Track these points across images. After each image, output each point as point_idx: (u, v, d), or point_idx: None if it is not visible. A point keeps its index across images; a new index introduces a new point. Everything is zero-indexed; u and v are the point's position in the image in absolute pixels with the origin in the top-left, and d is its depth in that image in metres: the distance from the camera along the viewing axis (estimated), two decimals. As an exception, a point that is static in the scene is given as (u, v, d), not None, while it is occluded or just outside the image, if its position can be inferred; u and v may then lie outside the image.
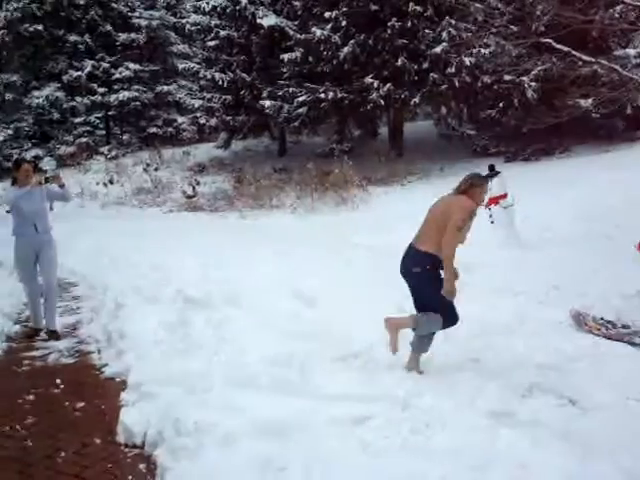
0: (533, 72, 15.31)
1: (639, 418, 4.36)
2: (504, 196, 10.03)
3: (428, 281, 4.91)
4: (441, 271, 4.90)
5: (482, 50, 15.56)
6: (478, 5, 14.30)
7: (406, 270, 4.98)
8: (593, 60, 9.07)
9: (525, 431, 4.12)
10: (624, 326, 6.11)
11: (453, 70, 16.13)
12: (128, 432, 4.19)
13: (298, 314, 6.31)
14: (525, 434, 4.06)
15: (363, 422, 4.16)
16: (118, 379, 5.25)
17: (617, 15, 14.94)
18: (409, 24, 16.30)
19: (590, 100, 11.66)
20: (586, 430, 4.19)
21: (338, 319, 6.06)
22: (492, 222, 10.00)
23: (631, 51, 16.08)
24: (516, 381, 4.84)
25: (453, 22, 16.08)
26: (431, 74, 16.33)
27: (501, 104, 16.88)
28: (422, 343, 5.03)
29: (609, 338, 5.91)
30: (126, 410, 4.45)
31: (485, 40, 14.65)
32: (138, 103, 25.76)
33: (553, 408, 4.54)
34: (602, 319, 6.24)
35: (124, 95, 25.22)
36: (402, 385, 4.66)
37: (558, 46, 9.08)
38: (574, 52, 8.99)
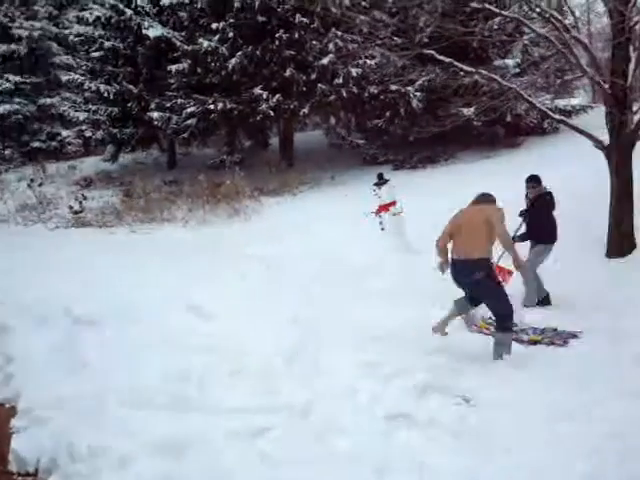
0: (418, 82, 15.81)
1: (530, 413, 4.55)
2: (393, 203, 10.31)
3: (490, 280, 5.77)
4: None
5: (368, 61, 15.95)
6: (363, 17, 14.62)
7: (468, 280, 5.79)
8: (474, 70, 9.47)
9: (422, 431, 4.23)
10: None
11: (341, 81, 16.38)
12: (20, 460, 4.02)
13: (193, 328, 6.17)
14: (422, 434, 4.18)
15: (263, 434, 4.16)
16: (7, 405, 4.99)
17: (496, 27, 15.76)
18: (296, 36, 16.43)
19: (472, 109, 12.19)
20: (481, 427, 4.36)
21: (234, 332, 5.99)
22: (382, 229, 10.25)
23: (510, 61, 16.94)
24: (411, 383, 4.95)
25: (339, 34, 16.35)
26: (319, 85, 16.51)
27: (388, 114, 17.33)
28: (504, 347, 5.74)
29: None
30: (17, 437, 4.27)
31: (371, 51, 15.01)
32: (20, 116, 24.63)
33: (447, 407, 4.69)
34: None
35: (4, 108, 24.05)
36: (300, 395, 4.69)
37: (440, 57, 9.43)
38: (455, 63, 9.35)
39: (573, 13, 9.92)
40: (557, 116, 9.71)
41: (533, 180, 7.75)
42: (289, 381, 4.99)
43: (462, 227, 5.91)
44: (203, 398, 4.70)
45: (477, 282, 5.72)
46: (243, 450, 3.94)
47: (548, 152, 14.74)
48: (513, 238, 6.92)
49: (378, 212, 10.31)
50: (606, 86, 8.40)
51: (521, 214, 7.88)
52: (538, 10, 8.77)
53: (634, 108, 8.48)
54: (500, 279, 6.41)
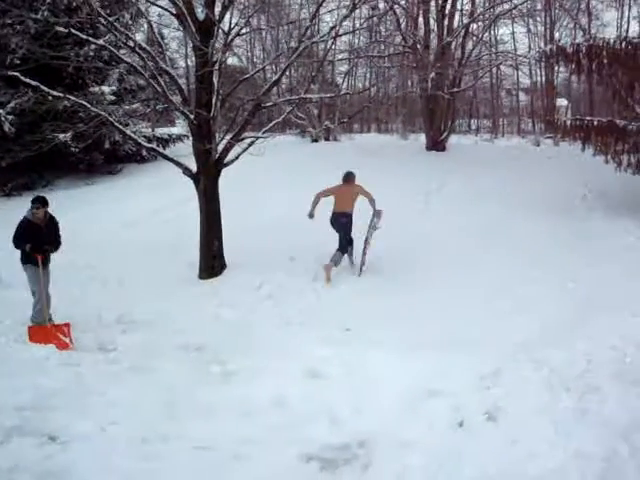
0: (10, 105, 14.80)
1: (114, 443, 4.45)
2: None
3: (349, 224, 9.17)
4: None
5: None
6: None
7: (340, 223, 9.14)
8: (62, 95, 9.12)
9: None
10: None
11: None
12: None
13: None
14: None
15: None
16: None
17: (92, 54, 15.56)
18: None
19: (68, 134, 11.76)
20: (67, 464, 4.12)
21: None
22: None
23: (106, 88, 16.90)
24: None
25: None
26: None
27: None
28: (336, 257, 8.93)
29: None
30: None
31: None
32: None
33: (32, 449, 4.34)
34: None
35: None
36: None
37: (27, 80, 8.87)
38: (42, 87, 8.89)
39: (161, 44, 10.26)
40: (148, 144, 9.95)
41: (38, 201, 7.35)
42: None
43: (339, 194, 9.20)
44: None
45: (344, 224, 9.11)
46: None
47: (146, 179, 15.03)
48: None
49: None
50: (192, 117, 8.83)
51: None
52: (124, 40, 8.82)
53: (218, 138, 9.09)
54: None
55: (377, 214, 9.28)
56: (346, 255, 9.25)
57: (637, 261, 8.16)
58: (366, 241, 9.16)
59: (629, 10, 22.72)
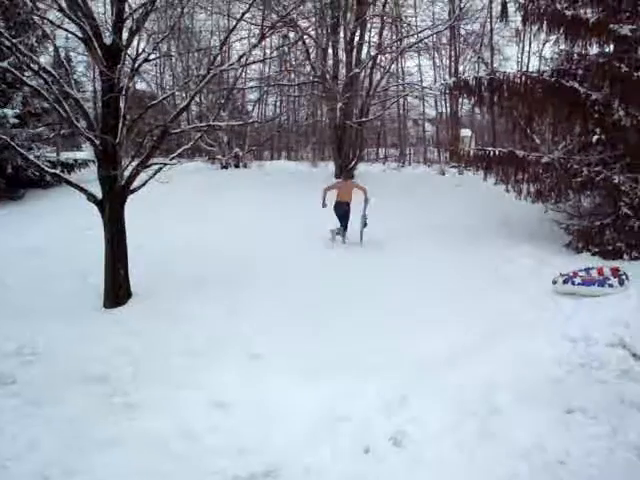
0: None
1: None
2: None
3: (349, 212, 11.98)
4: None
5: None
6: None
7: (342, 209, 11.94)
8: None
9: None
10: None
11: None
12: None
13: None
14: None
15: None
16: None
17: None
18: None
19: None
20: None
21: None
22: None
23: (9, 111, 16.38)
24: None
25: None
26: None
27: None
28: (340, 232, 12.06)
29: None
30: None
31: None
32: None
33: None
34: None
35: None
36: None
37: None
38: None
39: (67, 68, 10.02)
40: (51, 170, 9.57)
41: None
42: None
43: (342, 188, 12.34)
44: None
45: (346, 211, 11.97)
46: None
47: (51, 204, 14.60)
48: None
49: None
50: (97, 142, 8.67)
51: None
52: (28, 62, 8.59)
53: (124, 164, 8.94)
54: None
55: (366, 201, 11.96)
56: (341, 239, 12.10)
57: (537, 285, 8.54)
58: (363, 224, 11.93)
59: (529, 46, 23.93)
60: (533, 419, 4.94)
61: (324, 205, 12.05)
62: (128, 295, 9.05)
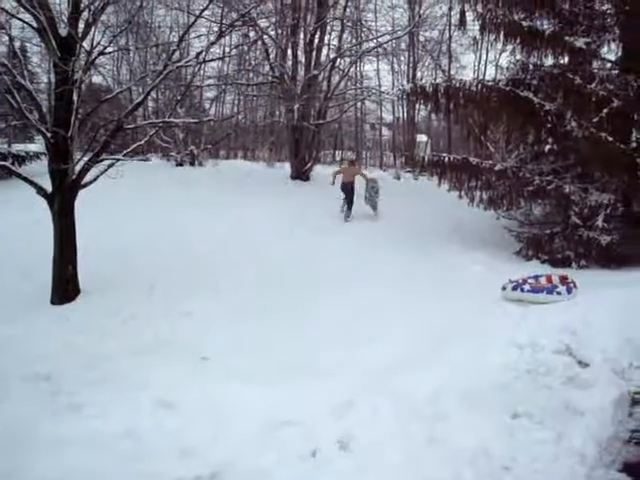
0: None
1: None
2: None
3: (354, 190, 14.41)
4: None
5: None
6: None
7: (347, 189, 14.32)
8: None
9: None
10: None
11: None
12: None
13: None
14: None
15: None
16: None
17: None
18: None
19: None
20: None
21: None
22: None
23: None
24: None
25: None
26: None
27: None
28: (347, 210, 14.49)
29: None
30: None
31: None
32: None
33: None
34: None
35: None
36: None
37: None
38: None
39: (20, 59, 9.76)
40: (0, 162, 9.36)
41: None
42: None
43: (347, 171, 14.88)
44: None
45: (351, 189, 14.27)
46: None
47: (-1, 198, 14.17)
48: None
49: None
50: (48, 135, 8.48)
51: None
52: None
53: (76, 158, 8.76)
54: None
55: (367, 183, 14.70)
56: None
57: (486, 292, 8.63)
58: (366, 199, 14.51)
59: (486, 55, 24.11)
60: (480, 424, 4.98)
61: (332, 183, 14.71)
62: (76, 292, 8.88)
